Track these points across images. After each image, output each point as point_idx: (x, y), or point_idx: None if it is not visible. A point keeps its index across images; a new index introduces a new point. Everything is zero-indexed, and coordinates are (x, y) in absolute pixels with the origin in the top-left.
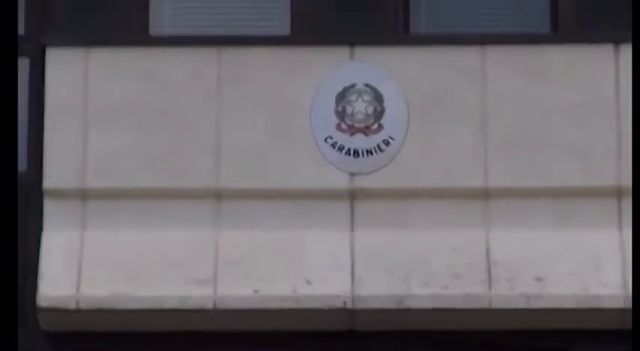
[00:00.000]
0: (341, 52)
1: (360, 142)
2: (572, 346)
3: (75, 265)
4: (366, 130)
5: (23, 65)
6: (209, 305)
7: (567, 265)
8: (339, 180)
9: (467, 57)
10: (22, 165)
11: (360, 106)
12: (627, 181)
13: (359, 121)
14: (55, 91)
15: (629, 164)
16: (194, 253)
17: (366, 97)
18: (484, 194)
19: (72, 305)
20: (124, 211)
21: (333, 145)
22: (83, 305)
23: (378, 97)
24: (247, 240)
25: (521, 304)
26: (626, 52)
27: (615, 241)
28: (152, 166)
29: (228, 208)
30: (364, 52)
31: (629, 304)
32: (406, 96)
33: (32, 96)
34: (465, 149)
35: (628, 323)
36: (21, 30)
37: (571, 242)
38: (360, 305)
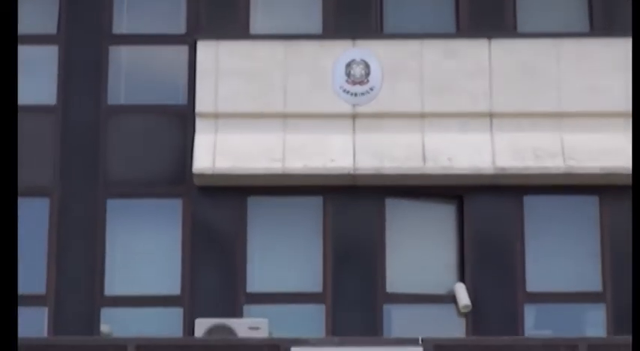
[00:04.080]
0: (348, 43)
1: (358, 89)
2: (465, 194)
3: (211, 148)
4: (360, 83)
5: (184, 51)
6: (280, 172)
7: (466, 151)
8: (347, 108)
9: (412, 46)
10: (184, 100)
11: (357, 71)
12: (495, 108)
13: (357, 78)
14: (202, 63)
15: (498, 102)
16: (272, 145)
17: (361, 66)
18: (421, 115)
19: (210, 172)
20: (236, 123)
21: (344, 91)
22: (216, 172)
23: (367, 66)
24: (300, 139)
25: (441, 171)
26: (495, 44)
27: (488, 142)
28: (250, 100)
29: (290, 123)
30: (360, 42)
31: (496, 172)
32: (382, 66)
33: (189, 66)
34: (411, 93)
35: (498, 181)
36: (183, 29)
37: (467, 140)
38: (357, 172)
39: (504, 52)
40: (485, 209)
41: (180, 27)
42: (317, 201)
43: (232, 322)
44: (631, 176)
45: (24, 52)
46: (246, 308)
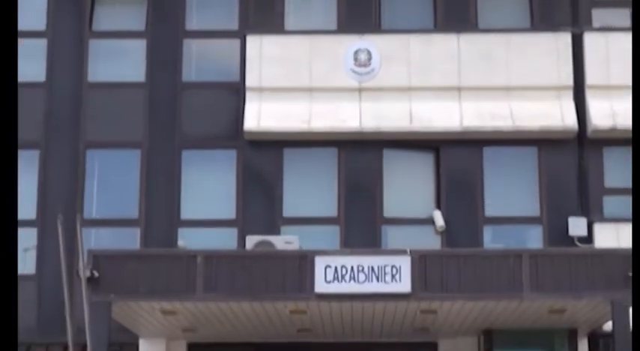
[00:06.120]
0: (355, 36)
1: (362, 70)
2: (441, 146)
3: (257, 113)
4: (365, 65)
5: (237, 42)
6: (307, 130)
7: (441, 114)
8: (354, 83)
9: (402, 38)
10: (237, 78)
11: (362, 56)
12: (462, 83)
13: (362, 62)
14: (250, 52)
15: (464, 79)
16: (301, 111)
17: (365, 53)
18: (409, 88)
19: (256, 130)
20: (275, 95)
21: (352, 71)
22: (261, 130)
23: (369, 53)
24: (321, 106)
25: (423, 129)
26: (462, 37)
27: (457, 108)
28: (285, 79)
29: (314, 95)
30: (364, 36)
31: (463, 130)
32: (380, 53)
33: (241, 53)
34: (401, 73)
35: (464, 136)
36: (236, 27)
37: (442, 107)
38: (363, 130)
39: (469, 42)
40: (455, 157)
41: (234, 25)
42: (333, 151)
43: (272, 239)
44: (576, 137)
45: (119, 44)
46: (282, 228)
